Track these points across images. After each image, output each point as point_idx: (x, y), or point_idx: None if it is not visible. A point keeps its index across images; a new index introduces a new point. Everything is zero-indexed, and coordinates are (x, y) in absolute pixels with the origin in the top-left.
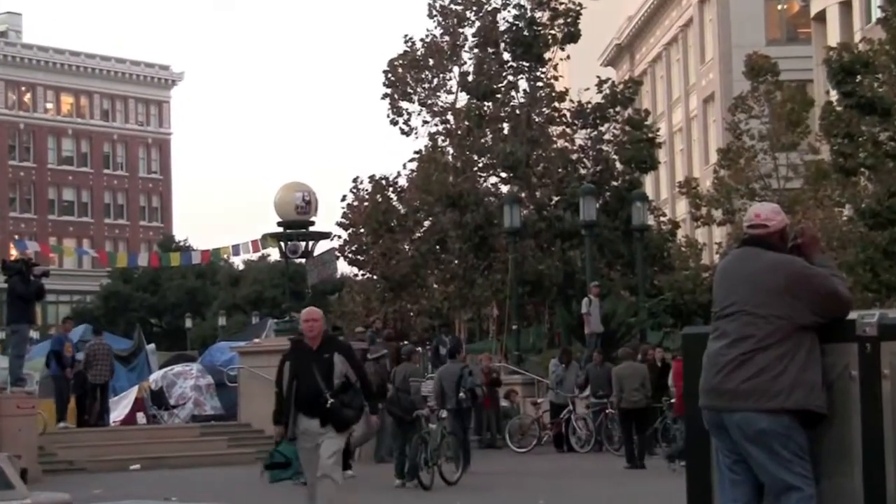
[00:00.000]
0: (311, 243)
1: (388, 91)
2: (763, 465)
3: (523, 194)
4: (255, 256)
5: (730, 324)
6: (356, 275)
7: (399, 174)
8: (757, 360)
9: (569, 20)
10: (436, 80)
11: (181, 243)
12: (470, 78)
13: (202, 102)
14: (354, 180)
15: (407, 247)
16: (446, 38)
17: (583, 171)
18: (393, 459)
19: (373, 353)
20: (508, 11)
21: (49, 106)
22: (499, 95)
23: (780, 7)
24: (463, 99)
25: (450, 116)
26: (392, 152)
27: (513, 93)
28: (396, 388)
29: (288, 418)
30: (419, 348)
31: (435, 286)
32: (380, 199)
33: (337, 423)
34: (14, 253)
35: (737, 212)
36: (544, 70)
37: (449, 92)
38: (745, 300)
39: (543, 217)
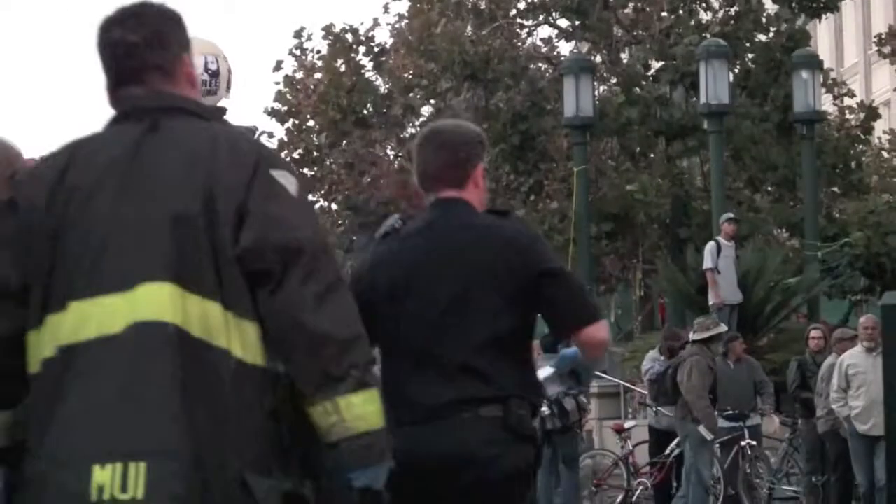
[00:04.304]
0: None
1: None
2: None
3: (598, 58)
4: None
5: None
6: None
7: (377, 23)
8: None
9: None
10: None
11: None
12: None
13: None
14: (297, 34)
15: (392, 152)
16: None
17: (704, 18)
18: None
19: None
20: None
21: None
22: None
23: None
24: None
25: None
26: None
27: None
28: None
29: None
30: None
31: None
32: (343, 69)
33: None
34: None
35: None
36: None
37: None
38: None
39: (635, 99)
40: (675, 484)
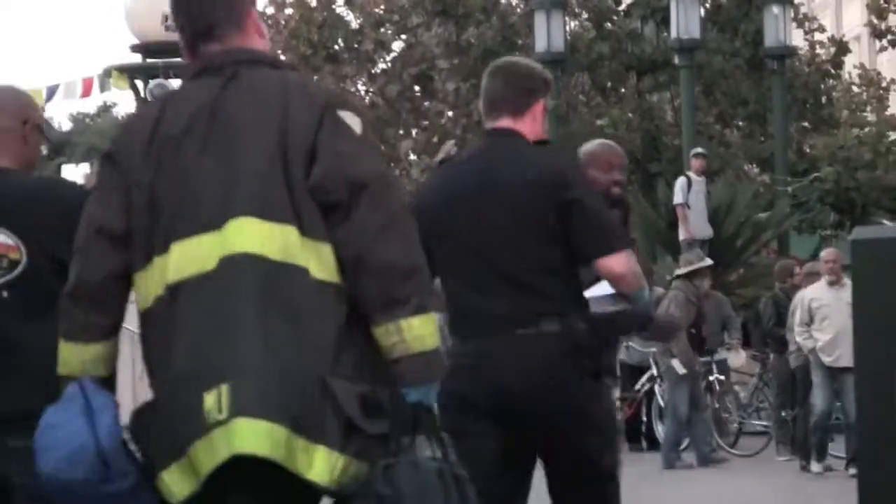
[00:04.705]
0: None
1: None
2: None
3: None
4: (88, 108)
5: None
6: None
7: None
8: None
9: None
10: None
11: None
12: None
13: None
14: None
15: (363, 87)
16: None
17: None
18: None
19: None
20: None
21: None
22: None
23: None
24: None
25: None
26: None
27: None
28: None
29: None
30: None
31: (412, 157)
32: (314, 4)
33: None
34: None
35: None
36: None
37: None
38: None
39: (606, 34)
40: (643, 419)
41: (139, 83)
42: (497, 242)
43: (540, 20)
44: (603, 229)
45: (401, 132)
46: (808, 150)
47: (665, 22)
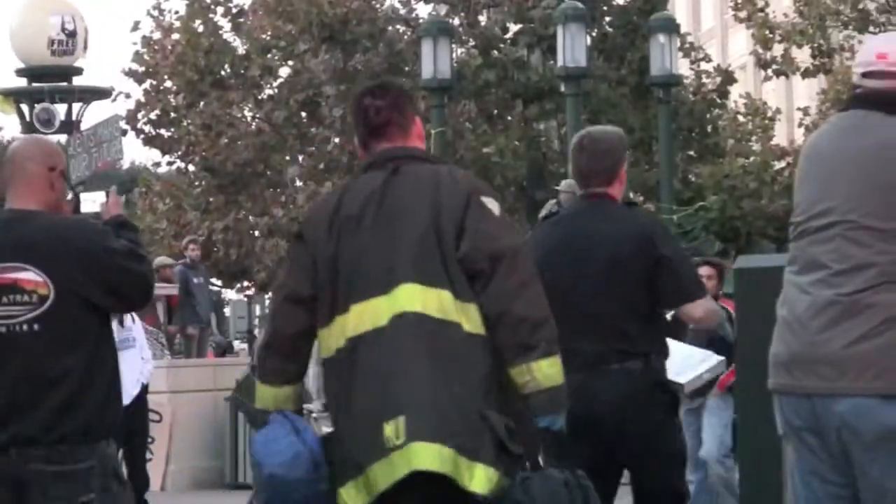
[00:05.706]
0: (77, 106)
1: None
2: (884, 486)
3: (456, 20)
4: None
5: (823, 245)
6: (158, 164)
7: None
8: (879, 306)
9: None
10: None
11: None
12: None
13: None
14: None
15: (249, 113)
16: None
17: None
18: None
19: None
20: None
21: None
22: None
23: None
24: None
25: None
26: None
27: None
28: None
29: None
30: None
31: (299, 183)
32: (201, 30)
33: None
34: None
35: (837, 52)
36: None
37: None
38: (853, 203)
39: (493, 62)
40: None
41: (25, 107)
42: (594, 289)
43: (427, 47)
44: (687, 280)
45: (287, 158)
46: (693, 179)
47: (551, 50)
